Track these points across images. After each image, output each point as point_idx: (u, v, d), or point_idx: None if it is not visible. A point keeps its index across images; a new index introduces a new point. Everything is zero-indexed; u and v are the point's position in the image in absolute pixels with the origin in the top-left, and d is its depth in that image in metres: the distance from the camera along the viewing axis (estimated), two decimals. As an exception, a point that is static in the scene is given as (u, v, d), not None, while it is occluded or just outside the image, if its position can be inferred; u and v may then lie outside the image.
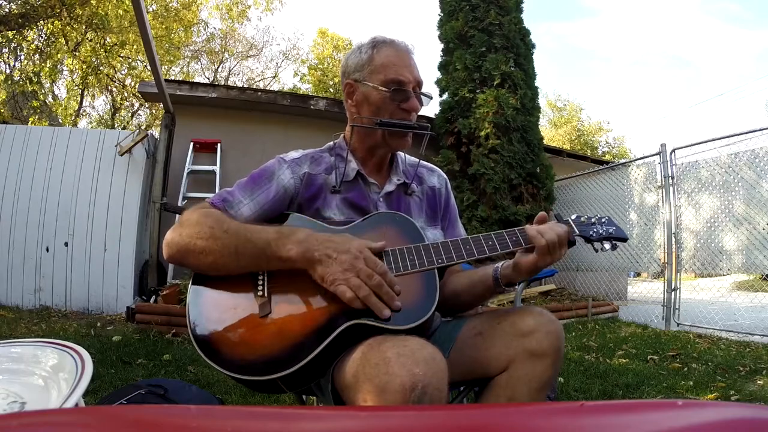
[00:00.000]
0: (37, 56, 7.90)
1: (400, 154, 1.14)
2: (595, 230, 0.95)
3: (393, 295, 0.79)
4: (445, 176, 1.20)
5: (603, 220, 0.97)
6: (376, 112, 1.02)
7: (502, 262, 0.98)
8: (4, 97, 7.92)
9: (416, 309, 0.82)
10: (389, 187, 1.07)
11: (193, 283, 0.88)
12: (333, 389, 0.83)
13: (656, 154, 4.67)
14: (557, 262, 0.91)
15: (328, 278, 0.79)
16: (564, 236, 0.89)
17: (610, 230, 0.95)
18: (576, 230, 0.95)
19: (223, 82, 15.06)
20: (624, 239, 0.96)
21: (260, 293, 0.84)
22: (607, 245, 0.95)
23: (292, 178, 1.01)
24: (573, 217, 0.98)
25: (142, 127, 10.40)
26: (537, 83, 5.34)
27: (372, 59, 1.03)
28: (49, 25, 7.67)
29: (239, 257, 0.84)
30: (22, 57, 8.04)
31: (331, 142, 1.11)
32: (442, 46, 5.52)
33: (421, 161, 1.16)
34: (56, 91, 10.01)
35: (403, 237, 0.93)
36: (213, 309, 0.85)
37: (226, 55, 15.56)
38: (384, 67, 1.02)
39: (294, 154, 1.05)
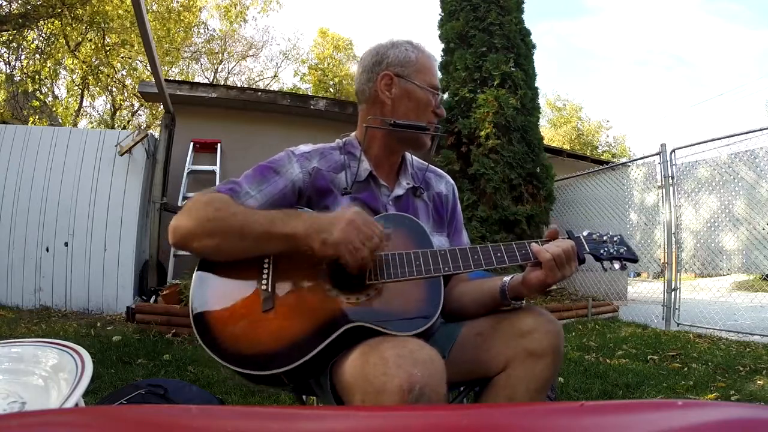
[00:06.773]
0: (37, 56, 7.90)
1: (409, 156, 1.14)
2: (606, 249, 0.92)
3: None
4: (452, 183, 1.19)
5: (615, 238, 0.94)
6: (415, 108, 1.03)
7: (512, 275, 0.96)
8: (4, 97, 7.92)
9: (418, 317, 0.82)
10: (399, 191, 1.06)
11: (198, 270, 0.88)
12: (332, 388, 0.83)
13: (656, 154, 4.67)
14: None
15: (330, 240, 0.81)
16: (570, 251, 0.87)
17: (621, 250, 0.92)
18: (586, 247, 0.92)
19: (222, 83, 15.05)
20: (635, 260, 0.92)
21: (264, 287, 0.84)
22: (616, 265, 0.91)
23: (301, 172, 1.00)
24: (584, 233, 0.95)
25: (142, 127, 10.39)
26: (537, 83, 5.34)
27: (418, 59, 1.05)
28: (49, 24, 7.67)
29: (244, 237, 0.84)
30: (23, 57, 8.04)
31: (340, 140, 1.09)
32: (442, 46, 5.51)
33: (431, 166, 1.15)
34: (56, 91, 10.01)
35: (412, 240, 0.93)
36: (216, 301, 0.85)
37: (226, 55, 15.57)
38: (427, 70, 1.05)
39: (304, 148, 1.04)
